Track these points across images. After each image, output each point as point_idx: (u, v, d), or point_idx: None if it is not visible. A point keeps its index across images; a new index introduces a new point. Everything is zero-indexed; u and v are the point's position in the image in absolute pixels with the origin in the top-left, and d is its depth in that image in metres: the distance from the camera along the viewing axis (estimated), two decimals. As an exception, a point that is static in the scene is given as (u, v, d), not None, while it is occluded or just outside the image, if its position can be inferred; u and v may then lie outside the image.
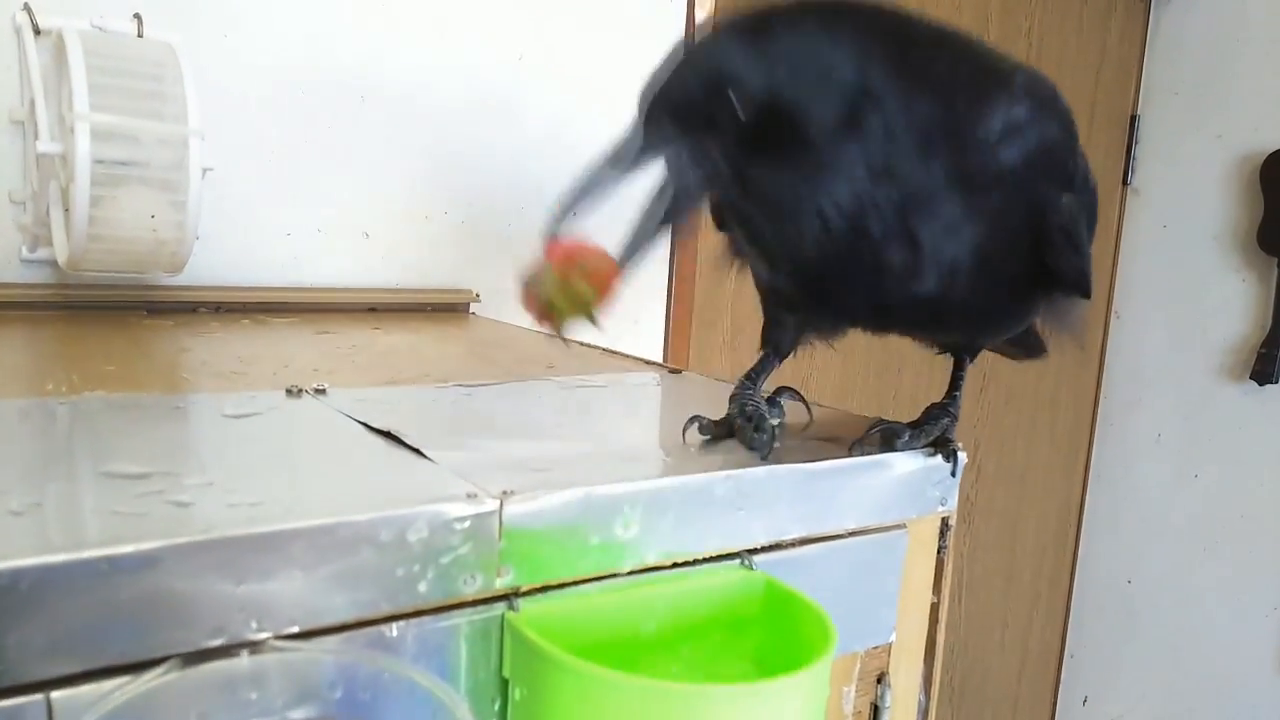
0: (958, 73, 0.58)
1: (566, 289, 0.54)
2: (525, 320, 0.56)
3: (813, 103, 0.55)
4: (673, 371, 0.90)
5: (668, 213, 0.58)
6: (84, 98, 0.82)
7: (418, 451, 0.54)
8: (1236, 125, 2.08)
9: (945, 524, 0.68)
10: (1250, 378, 2.07)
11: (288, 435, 0.59)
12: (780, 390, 0.79)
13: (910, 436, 0.66)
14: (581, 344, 1.04)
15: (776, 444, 0.62)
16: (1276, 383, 2.04)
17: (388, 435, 0.57)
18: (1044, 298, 0.66)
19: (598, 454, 0.61)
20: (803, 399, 0.79)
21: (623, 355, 0.98)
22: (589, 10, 1.36)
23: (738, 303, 1.63)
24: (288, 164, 1.18)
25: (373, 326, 1.10)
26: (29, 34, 0.98)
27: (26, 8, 0.99)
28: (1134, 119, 2.21)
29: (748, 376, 0.79)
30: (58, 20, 1.00)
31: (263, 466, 0.53)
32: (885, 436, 0.65)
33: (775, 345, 0.79)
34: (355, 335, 1.01)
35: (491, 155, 1.32)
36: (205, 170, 0.95)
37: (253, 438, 0.58)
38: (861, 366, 1.87)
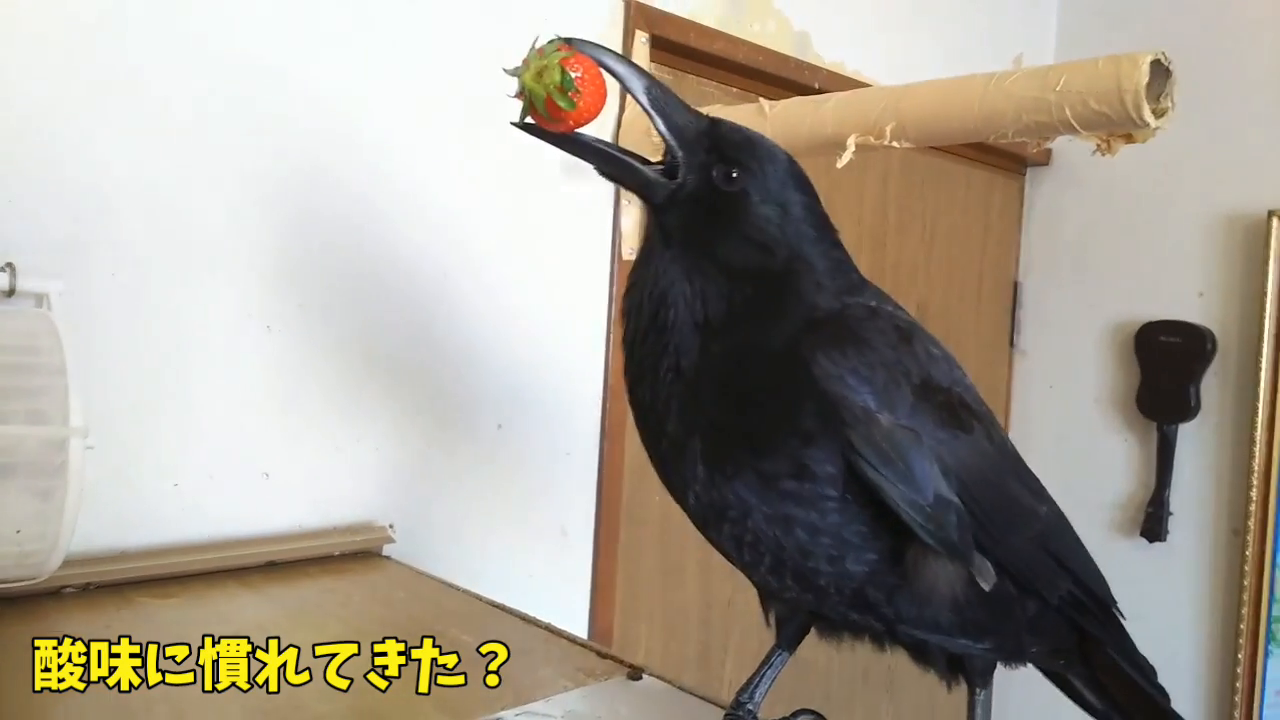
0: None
1: (541, 74, 0.57)
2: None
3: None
4: (632, 676, 0.81)
5: (629, 172, 0.63)
6: (-59, 406, 0.69)
7: None
8: (1108, 296, 2.19)
9: None
10: (1140, 535, 2.13)
11: None
12: (799, 713, 0.72)
13: None
14: (526, 620, 0.95)
15: None
16: (1165, 540, 2.12)
17: None
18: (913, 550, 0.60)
19: None
20: None
21: (578, 643, 0.89)
22: (503, 215, 1.30)
23: (665, 498, 1.56)
24: (178, 406, 1.05)
25: (269, 602, 0.97)
26: None
27: None
28: (1016, 286, 2.31)
29: (746, 684, 0.72)
30: (-92, 279, 0.86)
31: None
32: None
33: (777, 629, 0.72)
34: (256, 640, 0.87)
35: (407, 376, 1.22)
36: (87, 449, 0.83)
37: None
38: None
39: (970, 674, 0.67)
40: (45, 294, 0.91)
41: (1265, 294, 1.95)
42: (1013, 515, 0.64)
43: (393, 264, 1.19)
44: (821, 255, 0.63)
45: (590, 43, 0.59)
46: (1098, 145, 1.01)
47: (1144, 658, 0.73)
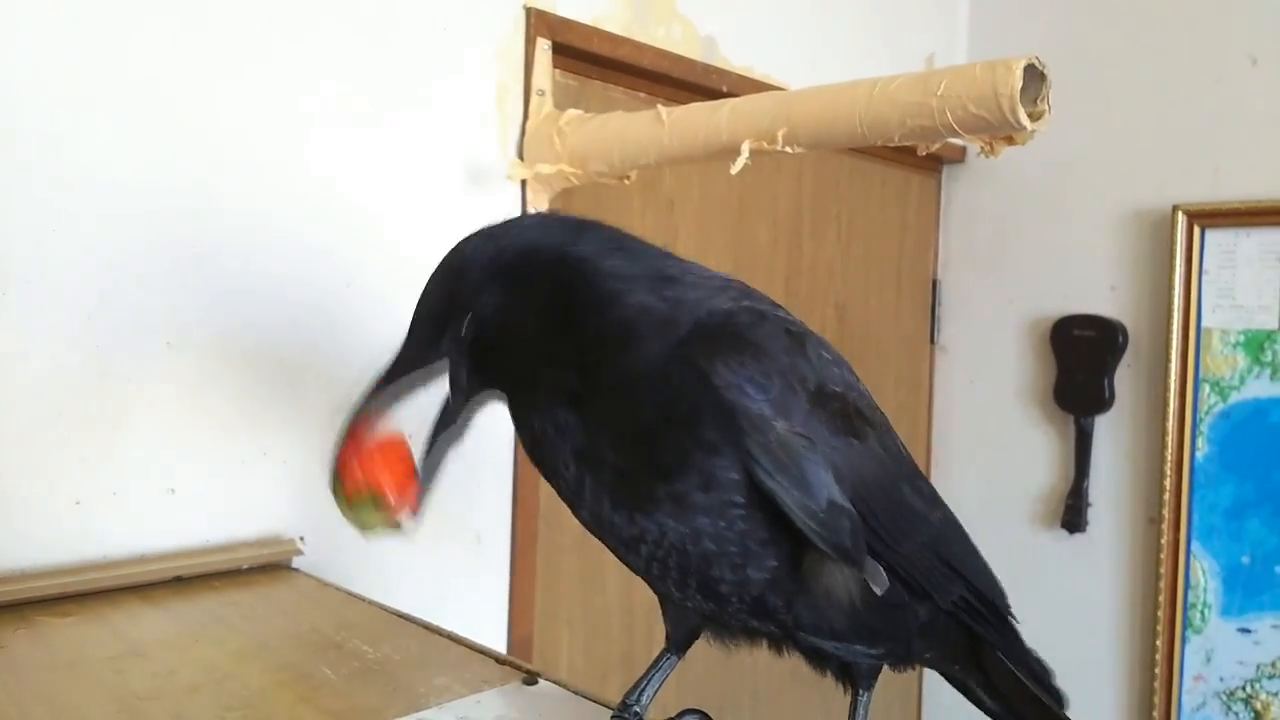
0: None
1: (358, 511, 0.61)
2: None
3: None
4: (527, 681, 0.82)
5: (441, 417, 0.66)
6: None
7: None
8: (1025, 292, 2.25)
9: None
10: (1061, 526, 2.19)
11: None
12: (685, 713, 0.73)
13: None
14: (429, 629, 0.95)
15: None
16: (1085, 531, 2.17)
17: None
18: (809, 556, 0.61)
19: None
20: None
21: (477, 650, 0.89)
22: (409, 221, 1.30)
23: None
24: (76, 424, 1.03)
25: (170, 617, 0.96)
26: None
27: None
28: (935, 283, 2.36)
29: (633, 686, 0.73)
30: None
31: None
32: None
33: (669, 633, 0.73)
34: (155, 656, 0.87)
35: (314, 386, 1.21)
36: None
37: None
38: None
39: (856, 676, 0.69)
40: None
41: (1172, 287, 2.02)
42: (904, 521, 0.65)
43: (295, 274, 1.18)
44: (637, 279, 0.63)
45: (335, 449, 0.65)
46: (981, 148, 1.04)
47: (1040, 662, 0.74)
